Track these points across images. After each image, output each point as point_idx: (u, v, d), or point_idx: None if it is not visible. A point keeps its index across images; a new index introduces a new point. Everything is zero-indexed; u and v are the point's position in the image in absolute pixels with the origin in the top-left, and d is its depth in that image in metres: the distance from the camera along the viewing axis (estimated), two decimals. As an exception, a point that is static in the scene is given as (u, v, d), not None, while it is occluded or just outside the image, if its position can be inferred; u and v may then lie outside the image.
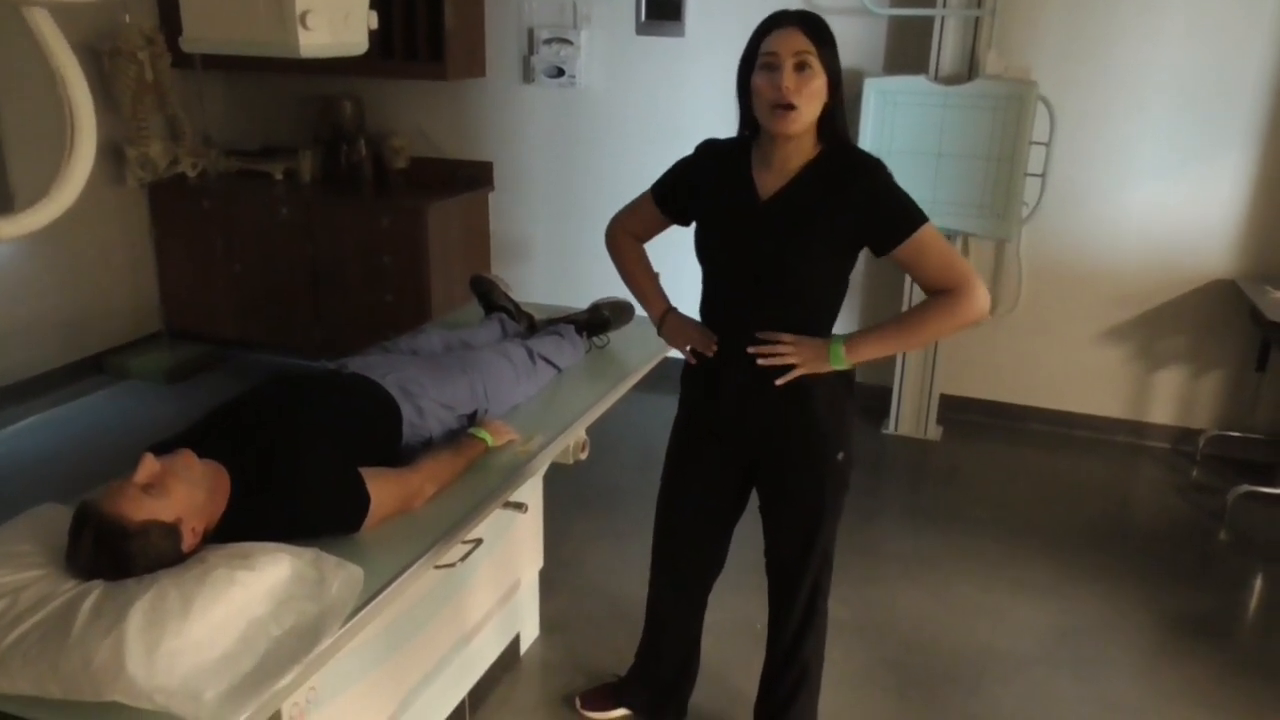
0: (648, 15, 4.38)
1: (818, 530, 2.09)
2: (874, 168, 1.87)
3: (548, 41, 4.48)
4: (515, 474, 2.03)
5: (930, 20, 3.88)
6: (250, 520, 1.64)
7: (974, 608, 3.06)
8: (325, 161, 4.92)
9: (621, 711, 2.53)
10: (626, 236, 2.21)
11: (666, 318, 2.17)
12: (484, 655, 2.55)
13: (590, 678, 2.66)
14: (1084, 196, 4.07)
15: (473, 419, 2.21)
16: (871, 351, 1.94)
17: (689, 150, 2.07)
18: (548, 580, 2.90)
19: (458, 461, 1.97)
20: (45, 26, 1.45)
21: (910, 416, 4.33)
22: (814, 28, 1.82)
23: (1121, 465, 4.12)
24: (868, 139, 3.93)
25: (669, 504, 2.27)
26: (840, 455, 2.05)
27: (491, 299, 2.83)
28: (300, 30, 1.81)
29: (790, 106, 1.79)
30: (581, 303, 2.89)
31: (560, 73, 4.49)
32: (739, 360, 1.96)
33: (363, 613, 1.55)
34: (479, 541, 2.10)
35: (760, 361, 1.93)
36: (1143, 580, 3.22)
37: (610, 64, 4.50)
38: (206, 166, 4.89)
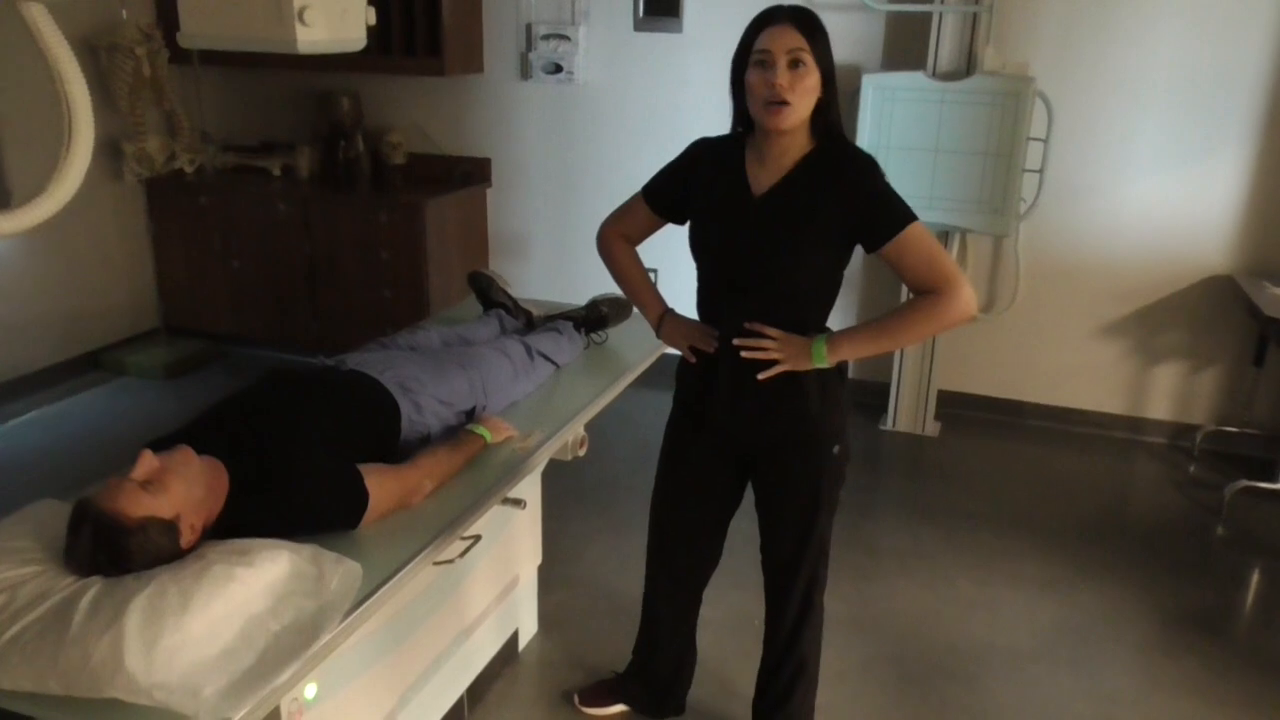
0: (646, 11, 4.37)
1: (813, 524, 2.09)
2: (867, 164, 1.88)
3: (545, 37, 4.48)
4: (514, 470, 2.03)
5: (928, 16, 3.88)
6: (249, 517, 1.64)
7: (971, 602, 3.07)
8: (323, 157, 4.91)
9: (620, 707, 2.54)
10: (619, 240, 2.20)
11: (664, 320, 2.17)
12: (482, 651, 2.55)
13: (589, 673, 2.67)
14: (1082, 192, 4.07)
15: (471, 415, 2.21)
16: (854, 351, 1.94)
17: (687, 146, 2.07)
18: (546, 576, 2.90)
19: (456, 458, 1.97)
20: (42, 22, 1.45)
21: (908, 412, 4.33)
22: (807, 23, 1.83)
23: (1119, 461, 4.13)
24: (866, 135, 3.93)
25: (664, 500, 2.28)
26: (835, 448, 2.05)
27: (490, 295, 2.83)
28: (298, 26, 1.82)
29: (784, 102, 1.80)
30: (579, 299, 2.89)
31: (558, 69, 4.49)
32: (733, 355, 1.96)
33: (361, 609, 1.55)
34: (477, 538, 2.10)
35: (744, 354, 1.94)
36: (1140, 575, 3.23)
37: (608, 60, 4.50)
38: (204, 162, 4.89)
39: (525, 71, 4.60)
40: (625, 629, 2.58)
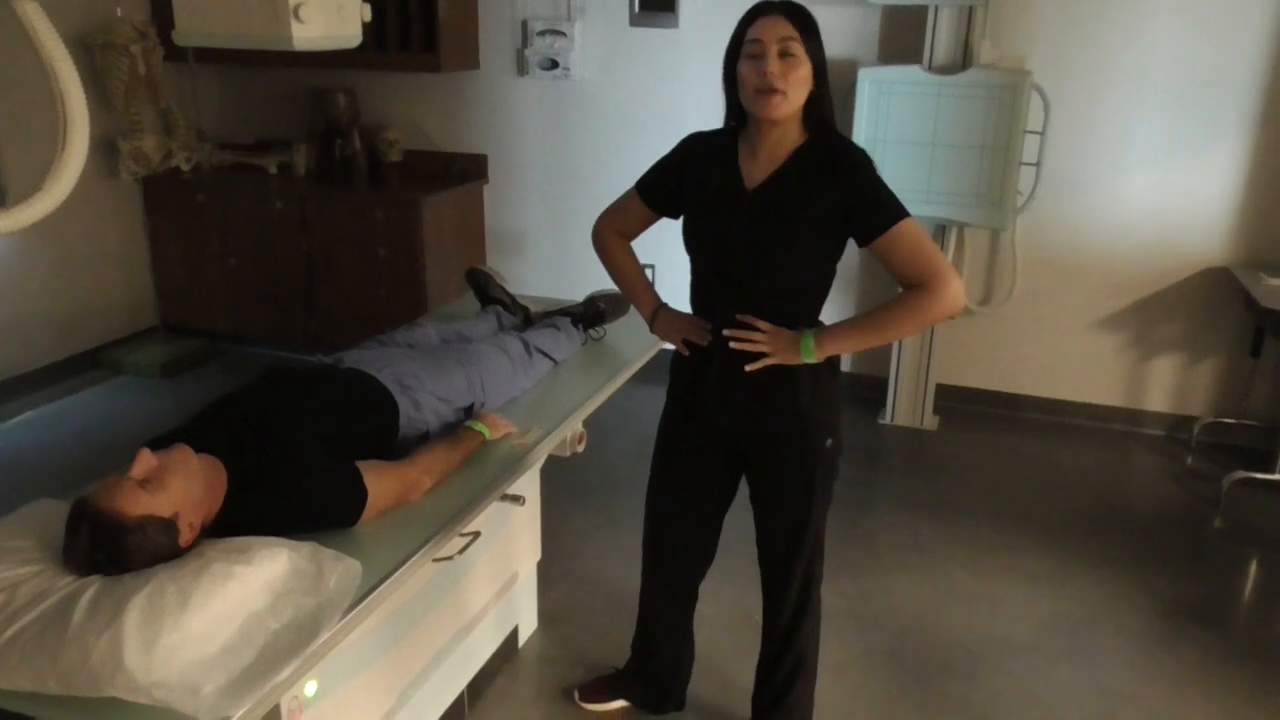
0: (641, 7, 4.36)
1: (807, 518, 2.09)
2: (859, 158, 1.88)
3: (541, 33, 4.47)
4: (513, 467, 2.03)
5: (924, 9, 3.88)
6: (247, 515, 1.64)
7: (970, 596, 3.07)
8: (319, 155, 4.90)
9: (620, 703, 2.54)
10: (614, 236, 2.20)
11: (657, 314, 2.17)
12: (482, 648, 2.55)
13: (589, 669, 2.67)
14: (1078, 185, 4.07)
15: (469, 412, 2.21)
16: (843, 346, 1.94)
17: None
18: (546, 572, 2.90)
19: (455, 455, 1.98)
20: (36, 20, 1.45)
21: (906, 406, 4.33)
22: (798, 16, 1.84)
23: (1117, 453, 4.14)
24: (862, 129, 3.92)
25: (658, 496, 2.28)
26: (828, 441, 2.05)
27: (487, 291, 2.83)
28: (294, 23, 1.82)
29: (775, 90, 1.80)
30: (577, 295, 2.89)
31: (554, 65, 4.48)
32: (726, 347, 1.96)
33: (361, 606, 1.55)
34: (477, 534, 2.11)
35: (732, 345, 1.94)
36: (1138, 567, 3.24)
37: (604, 56, 4.49)
38: (200, 160, 4.88)
39: (521, 68, 4.59)
40: (625, 624, 2.59)
